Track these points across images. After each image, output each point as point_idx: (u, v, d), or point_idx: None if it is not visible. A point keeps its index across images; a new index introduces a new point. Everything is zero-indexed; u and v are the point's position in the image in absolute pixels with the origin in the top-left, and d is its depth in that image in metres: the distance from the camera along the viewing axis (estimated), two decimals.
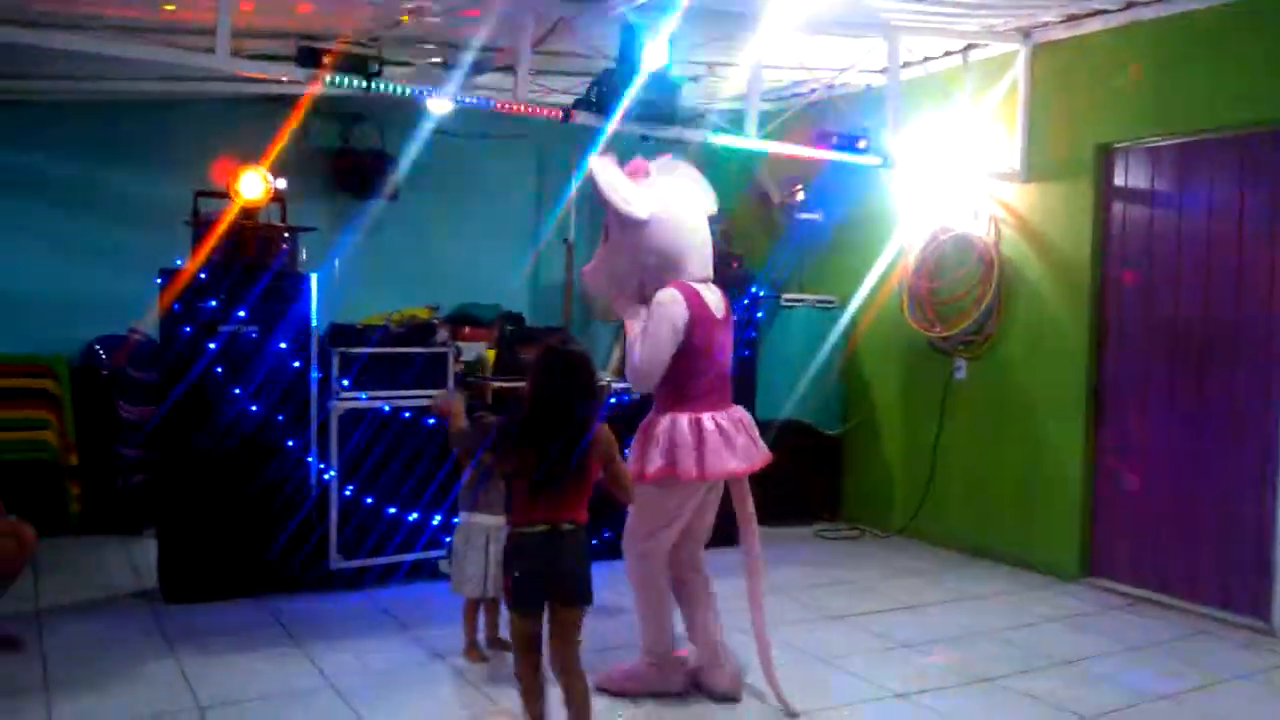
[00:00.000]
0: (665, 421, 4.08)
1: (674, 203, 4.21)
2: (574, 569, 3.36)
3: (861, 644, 4.94)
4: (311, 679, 4.30)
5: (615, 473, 3.45)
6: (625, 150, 4.35)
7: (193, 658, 4.47)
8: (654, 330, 4.03)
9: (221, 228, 5.26)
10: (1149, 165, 5.91)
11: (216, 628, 4.87)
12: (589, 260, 4.48)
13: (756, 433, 4.29)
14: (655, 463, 4.02)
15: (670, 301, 4.05)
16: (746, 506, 4.29)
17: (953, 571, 6.31)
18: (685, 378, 4.10)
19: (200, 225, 5.36)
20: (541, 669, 3.45)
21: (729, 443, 4.09)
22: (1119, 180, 6.05)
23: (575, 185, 7.90)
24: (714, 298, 4.23)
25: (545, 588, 3.35)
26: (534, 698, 3.47)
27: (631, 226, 4.11)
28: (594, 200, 4.27)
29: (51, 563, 5.72)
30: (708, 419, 4.08)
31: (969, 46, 6.60)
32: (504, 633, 4.73)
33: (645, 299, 4.16)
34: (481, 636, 4.66)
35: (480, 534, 4.51)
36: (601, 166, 4.13)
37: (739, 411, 4.25)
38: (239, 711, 3.94)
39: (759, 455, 4.23)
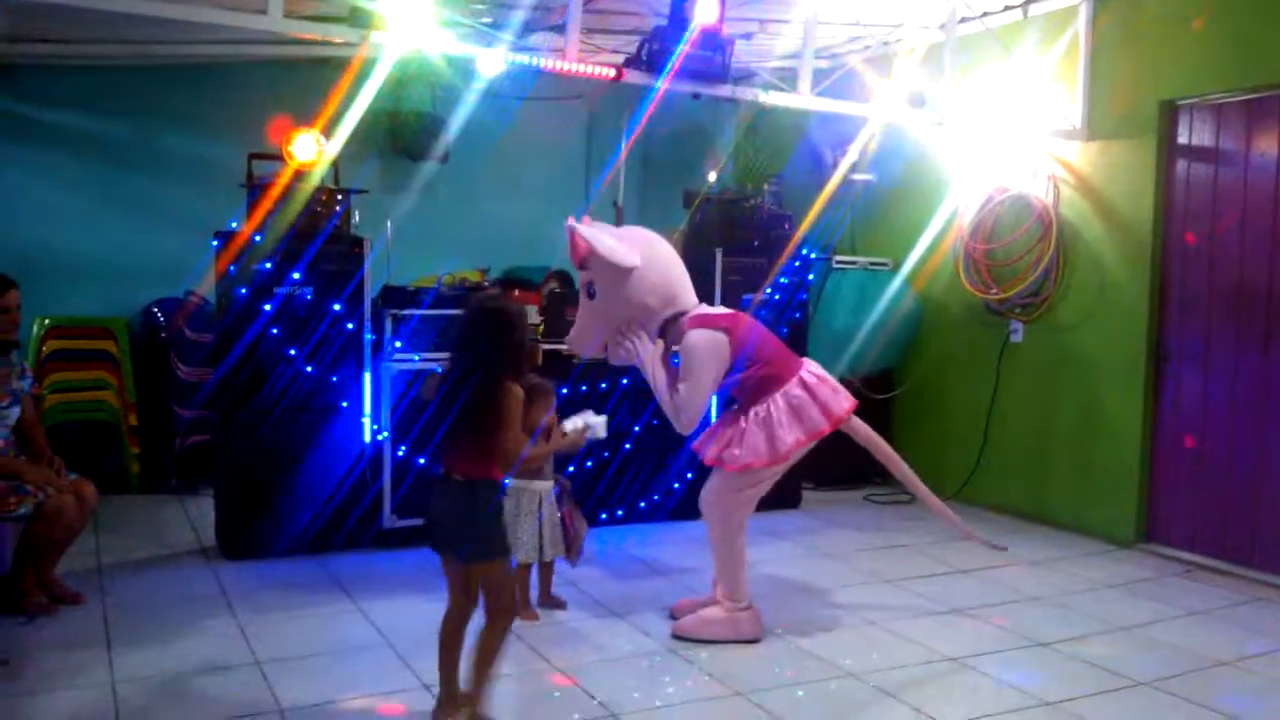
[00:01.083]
0: (778, 400, 4.32)
1: (648, 246, 4.39)
2: (453, 522, 3.35)
3: (914, 608, 4.91)
4: (367, 635, 4.36)
5: (509, 436, 3.32)
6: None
7: (249, 613, 4.55)
8: (699, 376, 4.26)
9: (276, 190, 5.30)
10: (1214, 122, 5.74)
11: (273, 584, 4.96)
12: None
13: None
14: (788, 440, 4.27)
15: (704, 342, 4.28)
16: (861, 431, 4.63)
17: (1007, 536, 6.23)
18: (766, 364, 4.35)
19: (254, 188, 5.41)
20: (458, 629, 3.44)
21: (831, 387, 4.43)
22: (1183, 138, 5.89)
23: (625, 146, 7.86)
24: (713, 307, 4.52)
25: (436, 535, 3.43)
26: (450, 662, 3.44)
27: (624, 276, 4.27)
28: (578, 256, 4.34)
29: (112, 521, 5.85)
30: (807, 374, 4.40)
31: (1029, 0, 6.44)
32: (557, 590, 4.81)
33: (651, 332, 4.41)
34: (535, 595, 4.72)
35: (532, 498, 4.55)
36: (584, 228, 4.28)
37: (812, 361, 4.58)
38: (295, 666, 4.00)
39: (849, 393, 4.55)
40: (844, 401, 4.42)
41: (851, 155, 7.52)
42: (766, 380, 4.34)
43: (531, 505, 4.55)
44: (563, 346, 5.73)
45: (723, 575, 4.45)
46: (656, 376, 4.35)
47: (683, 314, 4.38)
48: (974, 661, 4.24)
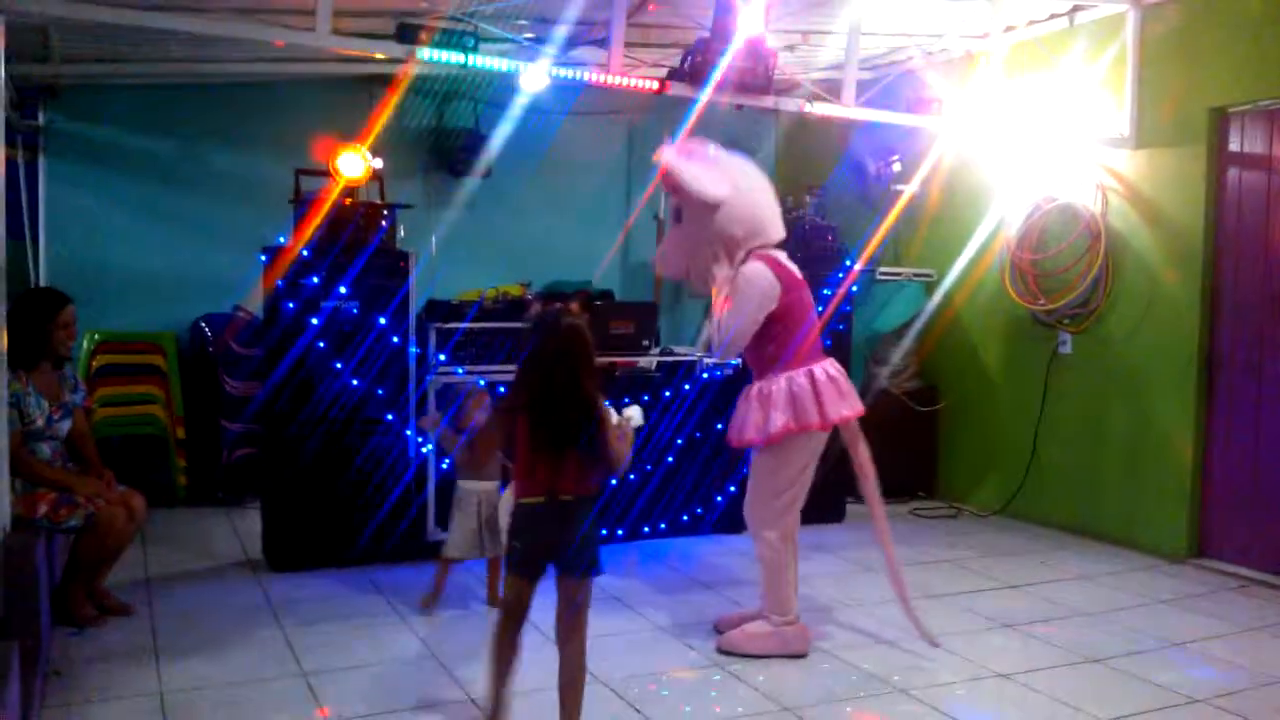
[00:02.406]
0: (781, 381, 4.31)
1: (740, 175, 4.39)
2: (572, 539, 3.27)
3: (962, 623, 4.84)
4: (411, 647, 4.37)
5: (606, 443, 3.30)
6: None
7: (296, 625, 4.58)
8: (741, 303, 4.26)
9: (323, 206, 5.34)
10: (1266, 129, 5.64)
11: (318, 596, 4.98)
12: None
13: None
14: (777, 422, 4.26)
15: (757, 276, 4.28)
16: (861, 450, 4.50)
17: (1055, 551, 6.15)
18: (790, 339, 4.33)
19: (301, 203, 5.46)
20: (519, 644, 3.36)
21: (840, 390, 4.37)
22: (1234, 145, 5.79)
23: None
24: (790, 262, 4.45)
25: (544, 557, 3.30)
26: (501, 669, 3.35)
27: (711, 206, 4.26)
28: (666, 186, 4.39)
29: (160, 533, 5.92)
30: (819, 370, 4.35)
31: (1075, 8, 6.38)
32: (600, 603, 4.79)
33: (731, 265, 4.36)
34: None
35: (470, 499, 4.77)
36: (674, 158, 4.29)
37: (835, 362, 4.49)
38: (342, 678, 4.01)
39: (859, 402, 4.47)
40: (844, 408, 4.34)
41: (894, 166, 7.50)
42: (779, 358, 4.32)
43: (471, 505, 4.75)
44: (614, 358, 5.76)
45: (768, 588, 4.42)
46: (716, 303, 4.35)
47: (767, 245, 4.37)
48: (1026, 678, 4.17)
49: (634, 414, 3.67)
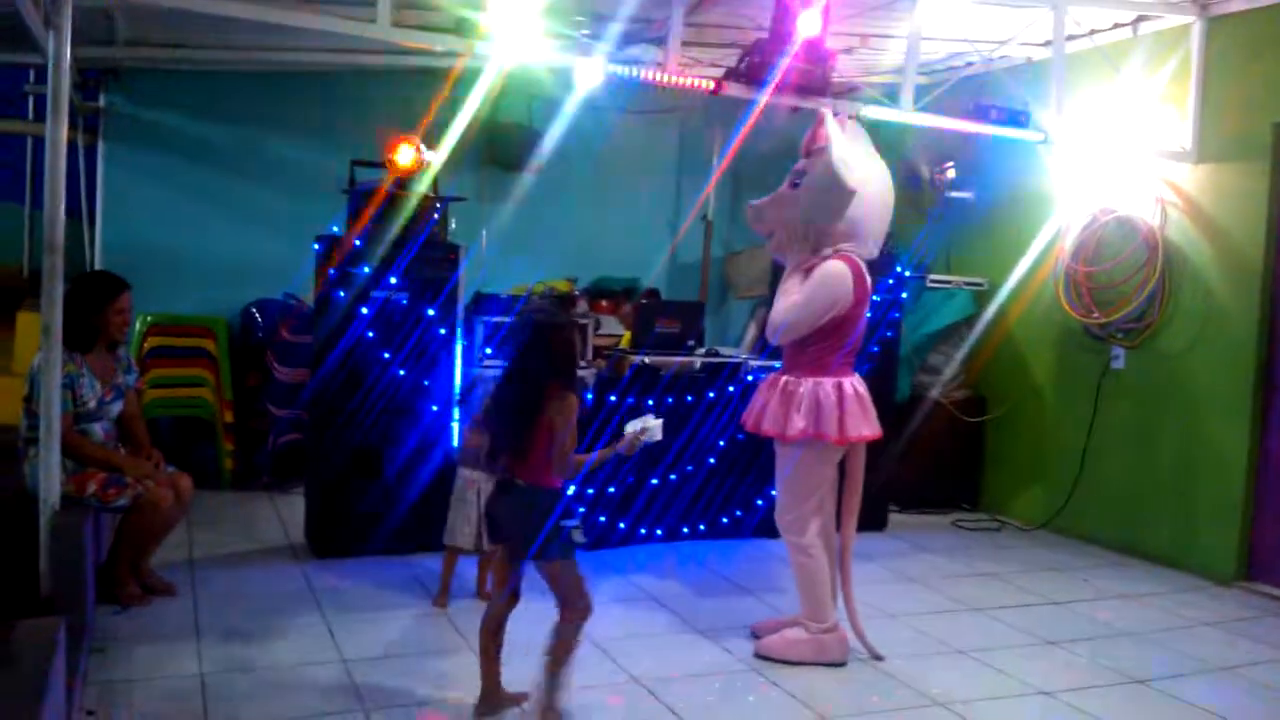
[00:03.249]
0: (808, 384, 4.28)
1: (873, 180, 4.41)
2: (516, 525, 3.47)
3: (1004, 638, 4.78)
4: (449, 635, 4.39)
5: (557, 443, 3.40)
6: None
7: (337, 611, 4.61)
8: (815, 296, 4.23)
9: (377, 197, 5.37)
10: None
11: (360, 583, 5.02)
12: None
13: None
14: (797, 425, 4.24)
15: (840, 277, 4.24)
16: (859, 473, 4.46)
17: (1100, 569, 6.05)
18: (835, 347, 4.32)
19: (355, 193, 5.49)
20: (500, 627, 3.60)
21: (864, 409, 4.33)
22: None
23: (726, 157, 7.90)
24: (868, 275, 4.41)
25: (496, 536, 3.63)
26: (491, 654, 3.61)
27: (834, 188, 4.24)
28: (812, 145, 4.39)
29: (204, 515, 5.97)
30: (848, 384, 4.33)
31: (1139, 18, 6.27)
32: (629, 607, 4.78)
33: (814, 250, 4.34)
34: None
35: (468, 485, 4.76)
36: (835, 129, 4.34)
37: (860, 380, 4.43)
38: (381, 665, 4.04)
39: (879, 425, 4.42)
40: (865, 428, 4.30)
41: (949, 173, 7.42)
42: (817, 360, 4.30)
43: (470, 493, 4.75)
44: (647, 358, 5.75)
45: (804, 595, 4.38)
46: (786, 284, 4.34)
47: (854, 253, 4.36)
48: (1068, 696, 4.10)
49: (650, 425, 3.63)
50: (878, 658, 4.40)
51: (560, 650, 3.49)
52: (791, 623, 4.46)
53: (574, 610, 3.50)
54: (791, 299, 4.29)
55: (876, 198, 4.43)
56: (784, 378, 4.39)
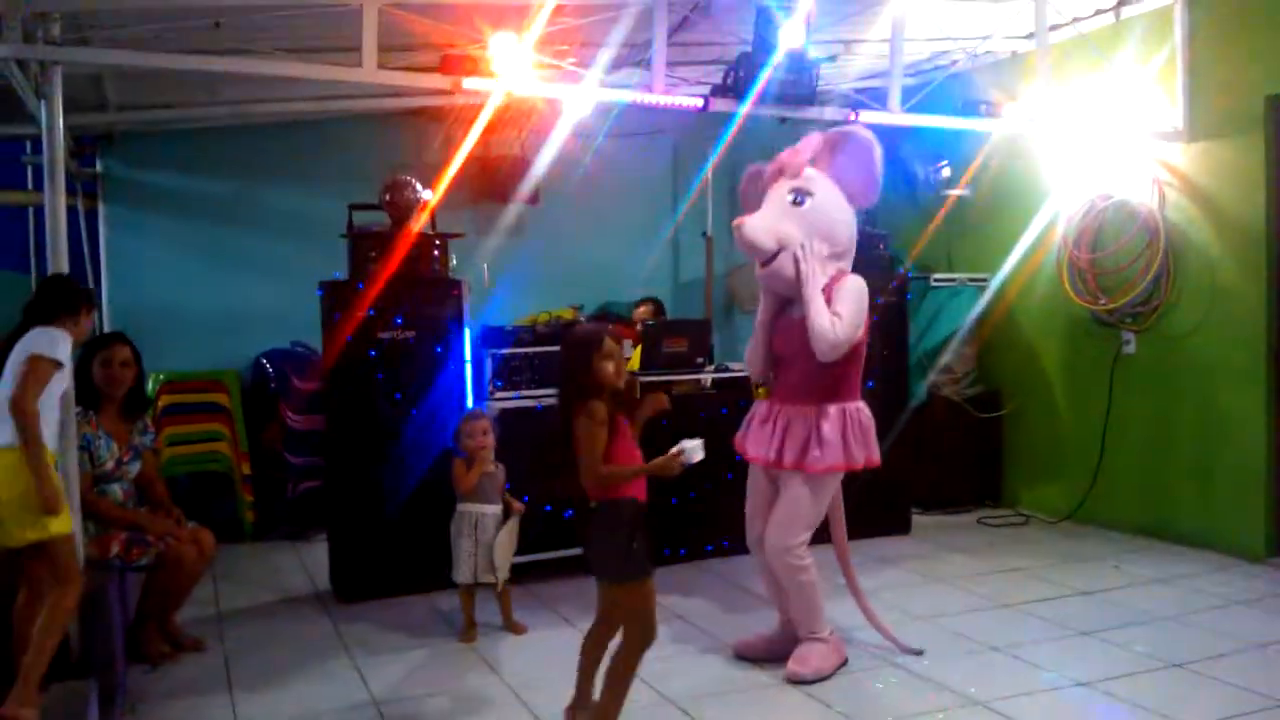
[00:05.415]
0: (833, 411, 4.23)
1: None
2: (588, 545, 3.47)
3: (1037, 632, 4.75)
4: (479, 672, 4.37)
5: (583, 454, 3.38)
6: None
7: (367, 655, 4.60)
8: (857, 311, 4.18)
9: (377, 239, 5.40)
10: None
11: (387, 625, 5.01)
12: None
13: None
14: (828, 458, 4.18)
15: (865, 291, 4.24)
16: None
17: (1129, 555, 6.01)
18: (855, 368, 4.31)
19: (355, 237, 5.52)
20: (596, 647, 3.54)
21: (871, 433, 4.34)
22: None
23: (707, 171, 7.93)
24: None
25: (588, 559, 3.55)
26: (584, 670, 3.56)
27: (849, 209, 4.31)
28: (822, 149, 4.39)
29: (228, 568, 5.98)
30: (862, 407, 4.34)
31: (1121, 2, 6.29)
32: (666, 620, 4.76)
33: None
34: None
35: (467, 520, 4.79)
36: (863, 138, 4.36)
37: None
38: (414, 706, 4.03)
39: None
40: (874, 454, 4.31)
41: (943, 171, 7.43)
42: (848, 382, 4.27)
43: (466, 526, 4.77)
44: (658, 378, 5.74)
45: (804, 606, 4.27)
46: (818, 301, 4.13)
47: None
48: (1107, 686, 4.07)
49: (691, 448, 3.61)
50: (916, 652, 4.42)
51: (618, 678, 3.41)
52: (777, 636, 4.43)
53: (633, 638, 3.41)
54: (840, 318, 4.13)
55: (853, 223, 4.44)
56: (798, 406, 4.26)
